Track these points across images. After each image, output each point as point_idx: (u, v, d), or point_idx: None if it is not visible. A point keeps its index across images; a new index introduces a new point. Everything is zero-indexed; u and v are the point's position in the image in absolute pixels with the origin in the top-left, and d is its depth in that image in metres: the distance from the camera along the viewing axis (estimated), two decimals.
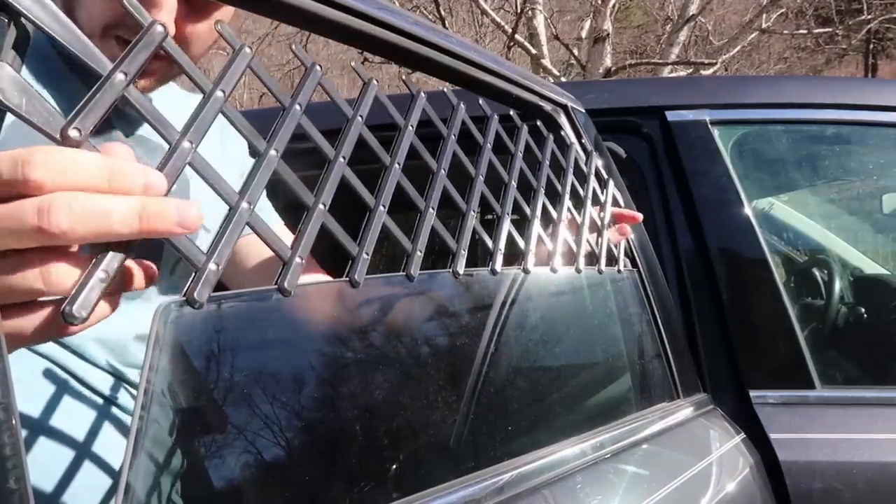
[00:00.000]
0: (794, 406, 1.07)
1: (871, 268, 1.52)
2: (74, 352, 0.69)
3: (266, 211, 0.90)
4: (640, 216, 0.97)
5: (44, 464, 0.64)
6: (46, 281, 0.34)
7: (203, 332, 0.43)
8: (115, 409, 0.72)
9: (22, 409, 0.63)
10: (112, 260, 0.35)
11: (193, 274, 0.39)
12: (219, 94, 0.42)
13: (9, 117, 0.34)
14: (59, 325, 0.35)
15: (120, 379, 0.73)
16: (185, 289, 0.39)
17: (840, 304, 1.40)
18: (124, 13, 0.63)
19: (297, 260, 0.46)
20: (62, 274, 0.34)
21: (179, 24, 0.69)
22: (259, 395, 0.45)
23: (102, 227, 0.34)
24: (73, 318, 0.33)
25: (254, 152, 0.46)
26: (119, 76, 0.36)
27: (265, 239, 0.44)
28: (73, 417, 0.68)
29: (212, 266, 0.40)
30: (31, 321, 0.35)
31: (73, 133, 0.34)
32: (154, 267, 0.39)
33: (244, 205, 0.43)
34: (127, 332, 0.73)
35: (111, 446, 0.69)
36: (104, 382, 0.72)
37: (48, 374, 0.68)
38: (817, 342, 1.25)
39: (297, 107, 0.49)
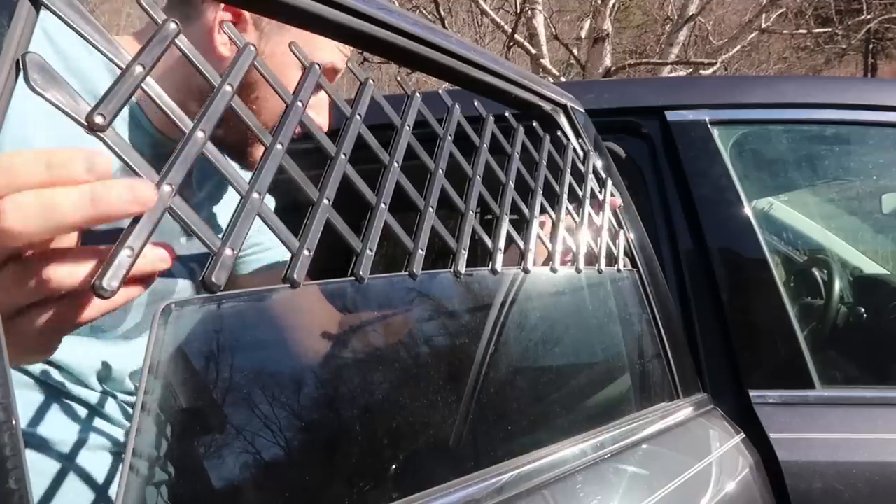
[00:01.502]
0: (794, 406, 1.07)
1: (871, 268, 1.51)
2: (60, 367, 0.69)
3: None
4: (620, 202, 0.96)
5: (35, 470, 0.64)
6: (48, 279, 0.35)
7: (203, 332, 0.43)
8: (102, 420, 0.72)
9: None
10: (136, 237, 0.36)
11: (210, 258, 0.40)
12: (227, 88, 0.43)
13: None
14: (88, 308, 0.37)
15: (109, 395, 0.73)
16: (202, 274, 0.40)
17: (840, 304, 1.40)
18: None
19: (305, 252, 0.46)
20: (55, 271, 0.36)
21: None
22: (259, 395, 0.45)
23: (54, 220, 0.34)
24: (103, 291, 0.35)
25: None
26: (138, 68, 0.38)
27: (273, 228, 0.45)
28: (60, 426, 0.68)
29: (227, 251, 0.40)
30: (65, 309, 0.37)
31: (97, 119, 0.36)
32: (171, 251, 0.40)
33: (254, 195, 0.43)
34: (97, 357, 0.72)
35: (99, 456, 0.69)
36: (93, 397, 0.71)
37: (36, 383, 0.68)
38: (817, 342, 1.25)
39: (299, 104, 0.49)
